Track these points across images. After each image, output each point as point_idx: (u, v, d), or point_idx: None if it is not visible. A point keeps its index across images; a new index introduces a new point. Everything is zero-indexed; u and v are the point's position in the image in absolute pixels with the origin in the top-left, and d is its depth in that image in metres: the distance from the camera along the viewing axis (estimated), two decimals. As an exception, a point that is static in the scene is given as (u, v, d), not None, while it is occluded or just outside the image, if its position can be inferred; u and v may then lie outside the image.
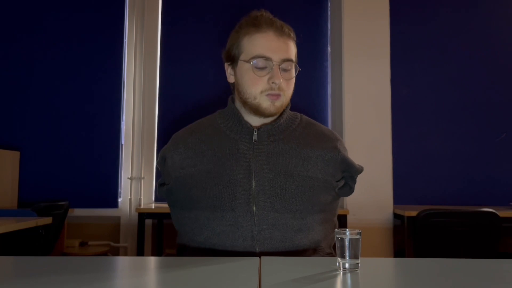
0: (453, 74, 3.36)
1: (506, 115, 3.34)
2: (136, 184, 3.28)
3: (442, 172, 3.26)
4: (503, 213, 2.43)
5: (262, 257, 0.95)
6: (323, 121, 3.31)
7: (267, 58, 1.13)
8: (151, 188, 3.30)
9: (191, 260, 0.96)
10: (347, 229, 0.82)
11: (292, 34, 1.19)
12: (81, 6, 3.36)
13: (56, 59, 3.31)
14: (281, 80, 1.13)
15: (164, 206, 2.97)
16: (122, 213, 3.24)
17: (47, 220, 2.33)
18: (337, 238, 0.82)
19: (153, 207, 3.03)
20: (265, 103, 1.14)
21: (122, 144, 3.31)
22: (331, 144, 1.20)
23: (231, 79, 1.23)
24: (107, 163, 3.25)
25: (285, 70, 1.15)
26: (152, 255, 3.11)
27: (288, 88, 1.17)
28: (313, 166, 1.15)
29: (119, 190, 3.27)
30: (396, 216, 2.97)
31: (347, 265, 0.81)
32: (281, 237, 1.08)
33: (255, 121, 1.19)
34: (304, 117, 1.28)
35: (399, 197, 3.09)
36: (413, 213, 2.49)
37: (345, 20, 3.15)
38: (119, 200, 3.27)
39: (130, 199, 3.25)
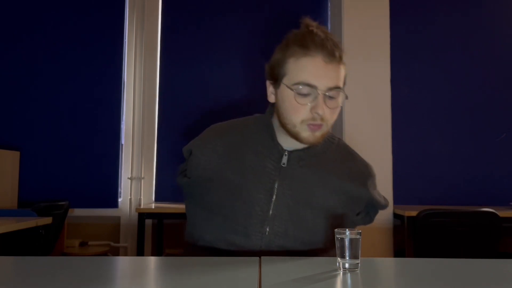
0: (453, 74, 3.36)
1: (506, 115, 3.34)
2: (136, 184, 3.28)
3: (442, 172, 3.26)
4: (503, 213, 2.43)
5: (262, 257, 0.95)
6: (323, 121, 3.31)
7: (311, 86, 1.04)
8: (151, 188, 3.30)
9: (191, 260, 0.96)
10: (347, 229, 0.82)
11: (343, 57, 1.09)
12: (81, 6, 3.36)
13: (56, 59, 3.31)
14: (325, 110, 1.04)
15: (164, 206, 2.97)
16: (122, 213, 3.24)
17: (47, 220, 2.33)
18: (337, 238, 0.82)
19: (153, 207, 3.02)
20: (305, 133, 1.06)
21: (122, 144, 3.31)
22: (361, 181, 1.16)
23: (271, 98, 1.13)
24: (107, 163, 3.26)
25: (331, 97, 1.06)
26: (152, 255, 3.11)
27: (332, 117, 1.08)
28: (334, 199, 1.12)
29: (119, 190, 3.27)
30: (396, 216, 2.96)
31: (347, 265, 0.81)
32: (288, 255, 1.08)
33: (288, 142, 1.12)
34: (342, 142, 1.21)
35: (399, 197, 3.08)
36: (413, 213, 2.49)
37: (345, 20, 3.15)
38: (119, 200, 3.27)
39: (130, 199, 3.25)
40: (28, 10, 3.34)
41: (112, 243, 3.20)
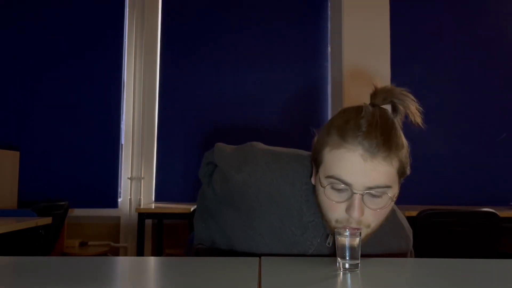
0: (453, 74, 3.36)
1: (506, 115, 3.34)
2: (136, 184, 3.28)
3: (442, 172, 3.26)
4: (503, 213, 2.43)
5: (262, 257, 0.95)
6: (323, 121, 3.31)
7: (346, 183, 0.85)
8: (151, 188, 3.30)
9: (191, 260, 0.96)
10: (347, 229, 0.82)
11: (395, 150, 0.88)
12: (81, 6, 3.36)
13: (56, 59, 3.31)
14: (365, 212, 0.86)
15: (164, 206, 2.97)
16: (122, 213, 3.24)
17: (47, 220, 2.33)
18: (337, 238, 0.82)
19: (153, 207, 3.03)
20: None
21: (122, 144, 3.31)
22: (395, 255, 1.07)
23: (313, 179, 0.95)
24: (107, 163, 3.26)
25: (374, 196, 0.87)
26: (152, 255, 3.11)
27: (376, 219, 0.89)
28: None
29: (119, 190, 3.27)
30: (396, 216, 2.96)
31: (347, 265, 0.81)
32: None
33: None
34: (392, 213, 1.05)
35: (399, 197, 3.08)
36: (413, 213, 2.49)
37: (345, 20, 3.15)
38: (119, 200, 3.27)
39: (130, 199, 3.25)
40: (28, 10, 3.34)
41: (112, 243, 3.20)
